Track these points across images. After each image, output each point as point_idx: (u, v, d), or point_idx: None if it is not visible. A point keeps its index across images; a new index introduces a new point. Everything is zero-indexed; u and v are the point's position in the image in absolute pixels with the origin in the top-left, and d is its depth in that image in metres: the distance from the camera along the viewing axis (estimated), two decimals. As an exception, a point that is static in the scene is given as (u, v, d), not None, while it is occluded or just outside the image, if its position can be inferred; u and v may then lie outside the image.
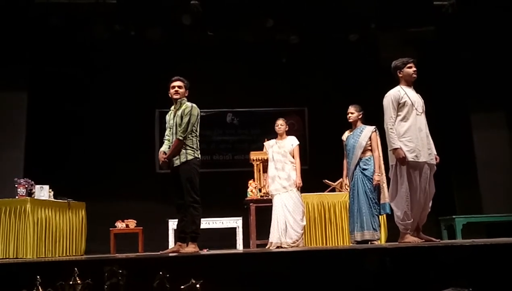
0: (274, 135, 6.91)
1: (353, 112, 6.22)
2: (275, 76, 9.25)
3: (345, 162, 6.34)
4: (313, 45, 8.85)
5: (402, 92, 5.03)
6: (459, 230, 7.74)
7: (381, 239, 6.46)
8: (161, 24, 8.28)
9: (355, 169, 6.10)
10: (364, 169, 6.05)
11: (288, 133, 6.89)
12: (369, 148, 6.11)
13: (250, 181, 7.44)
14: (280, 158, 6.64)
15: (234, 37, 8.63)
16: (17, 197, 6.44)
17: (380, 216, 6.13)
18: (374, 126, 6.08)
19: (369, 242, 5.89)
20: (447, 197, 8.63)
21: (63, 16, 7.81)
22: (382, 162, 6.01)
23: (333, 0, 7.87)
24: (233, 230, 7.67)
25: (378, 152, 6.05)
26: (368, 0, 7.92)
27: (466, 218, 7.90)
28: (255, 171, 7.43)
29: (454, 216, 7.95)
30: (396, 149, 4.90)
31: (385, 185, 5.96)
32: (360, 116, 6.23)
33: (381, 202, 6.01)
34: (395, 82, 5.18)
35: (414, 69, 5.11)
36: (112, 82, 8.96)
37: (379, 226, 6.08)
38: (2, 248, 6.21)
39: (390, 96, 5.04)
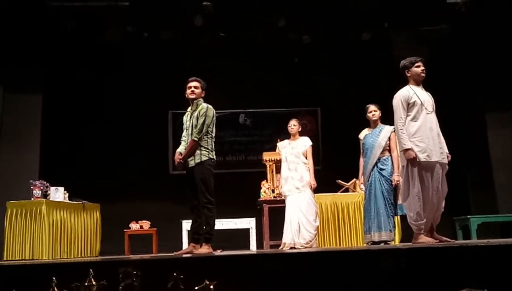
0: (286, 135, 6.90)
1: (376, 110, 6.19)
2: (287, 77, 9.24)
3: (361, 160, 6.30)
4: (325, 45, 8.82)
5: (411, 92, 4.99)
6: (474, 230, 7.67)
7: (395, 240, 6.43)
8: (174, 26, 8.31)
9: (372, 168, 6.07)
10: (381, 169, 6.02)
11: (301, 133, 6.88)
12: (387, 148, 6.09)
13: (263, 182, 7.45)
14: (293, 159, 6.63)
15: (246, 38, 8.63)
16: (32, 199, 6.50)
17: (394, 217, 6.10)
18: (393, 126, 6.01)
19: (385, 243, 5.87)
20: (462, 197, 8.57)
21: (77, 19, 7.87)
22: (400, 162, 5.97)
23: (345, 0, 7.84)
24: (246, 231, 7.68)
25: (397, 152, 5.99)
26: (380, -1, 7.90)
27: (481, 218, 7.84)
28: (268, 171, 7.44)
29: (469, 216, 7.89)
30: (407, 149, 4.88)
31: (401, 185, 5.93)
32: (380, 115, 6.21)
33: (399, 202, 5.98)
34: (406, 82, 5.15)
35: (423, 68, 5.08)
36: (125, 84, 9.01)
37: (394, 227, 6.05)
38: (18, 249, 6.28)
39: (400, 97, 5.01)
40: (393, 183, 5.93)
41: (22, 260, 6.18)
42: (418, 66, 5.08)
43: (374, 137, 6.12)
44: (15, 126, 7.85)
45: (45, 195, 6.61)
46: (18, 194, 6.84)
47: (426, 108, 4.96)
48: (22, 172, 7.57)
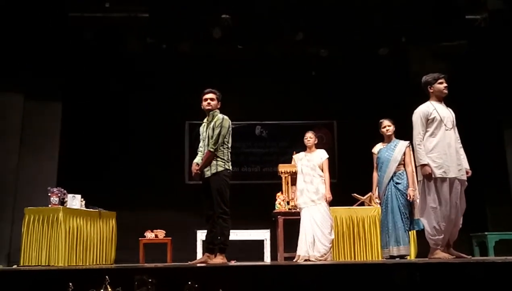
0: (302, 148, 6.91)
1: (390, 125, 6.20)
2: (304, 89, 9.26)
3: (375, 174, 6.29)
4: (342, 59, 8.84)
5: (431, 108, 4.99)
6: (491, 247, 7.59)
7: (411, 255, 6.38)
8: (192, 38, 8.39)
9: (388, 183, 6.06)
10: (397, 183, 6.01)
11: (317, 146, 6.88)
12: (402, 162, 6.08)
13: (278, 194, 7.43)
14: (309, 171, 6.63)
15: (263, 50, 8.69)
16: (50, 206, 6.57)
17: (410, 231, 6.08)
18: (408, 141, 6.02)
19: (402, 257, 5.83)
20: (480, 213, 8.47)
21: (97, 29, 7.99)
22: (415, 176, 5.95)
23: (363, 14, 7.86)
24: (261, 242, 7.66)
25: (412, 166, 5.99)
26: (398, 14, 7.89)
27: (498, 235, 7.75)
28: (283, 183, 7.43)
29: (486, 233, 7.81)
30: (423, 165, 4.87)
31: (418, 200, 5.89)
32: (394, 130, 6.22)
33: (415, 217, 5.95)
34: (425, 97, 5.14)
35: (445, 85, 5.07)
36: (143, 94, 9.11)
37: (409, 241, 6.02)
38: (35, 255, 6.35)
39: (419, 113, 5.02)
40: (408, 198, 5.92)
41: (38, 266, 6.24)
42: (441, 83, 5.06)
43: (390, 151, 6.11)
44: (35, 134, 7.96)
45: (62, 202, 6.68)
46: (36, 201, 6.93)
47: (445, 125, 4.95)
48: (41, 179, 7.67)
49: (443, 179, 4.84)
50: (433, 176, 4.84)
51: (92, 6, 7.64)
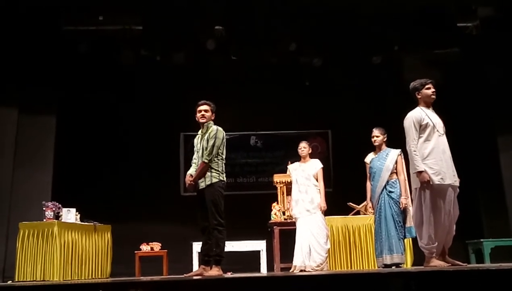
0: (297, 158, 6.92)
1: (378, 135, 6.22)
2: (298, 99, 9.28)
3: (368, 184, 6.31)
4: (336, 68, 8.88)
5: (423, 114, 4.97)
6: (487, 254, 7.59)
7: (407, 263, 6.38)
8: (186, 49, 8.42)
9: (381, 191, 6.07)
10: (390, 192, 6.04)
11: (312, 156, 6.89)
12: (395, 171, 6.11)
13: (274, 204, 7.44)
14: (304, 181, 6.63)
15: (257, 61, 8.72)
16: (44, 220, 6.53)
17: (404, 240, 6.08)
18: (399, 150, 6.05)
19: (397, 265, 5.83)
20: (475, 220, 8.49)
21: (91, 42, 8.00)
22: (407, 185, 5.96)
23: (357, 23, 7.91)
24: (257, 253, 7.64)
25: (404, 175, 6.03)
26: (391, 22, 7.95)
27: (494, 242, 7.75)
28: (279, 193, 7.43)
29: (482, 240, 7.81)
30: (420, 171, 4.83)
31: (411, 208, 5.90)
32: (385, 139, 6.23)
33: (407, 225, 5.97)
34: (416, 103, 5.15)
35: (433, 90, 5.06)
36: (138, 106, 9.12)
37: (405, 249, 6.02)
38: (30, 270, 6.29)
39: (412, 118, 4.97)
40: (401, 206, 5.93)
41: (33, 281, 6.20)
42: (429, 88, 5.06)
43: (382, 160, 6.14)
44: (29, 147, 7.93)
45: (57, 216, 6.65)
46: (30, 215, 6.89)
47: (438, 131, 4.94)
48: (35, 193, 7.63)
49: (439, 186, 4.79)
50: (431, 182, 4.81)
51: (86, 19, 7.67)
